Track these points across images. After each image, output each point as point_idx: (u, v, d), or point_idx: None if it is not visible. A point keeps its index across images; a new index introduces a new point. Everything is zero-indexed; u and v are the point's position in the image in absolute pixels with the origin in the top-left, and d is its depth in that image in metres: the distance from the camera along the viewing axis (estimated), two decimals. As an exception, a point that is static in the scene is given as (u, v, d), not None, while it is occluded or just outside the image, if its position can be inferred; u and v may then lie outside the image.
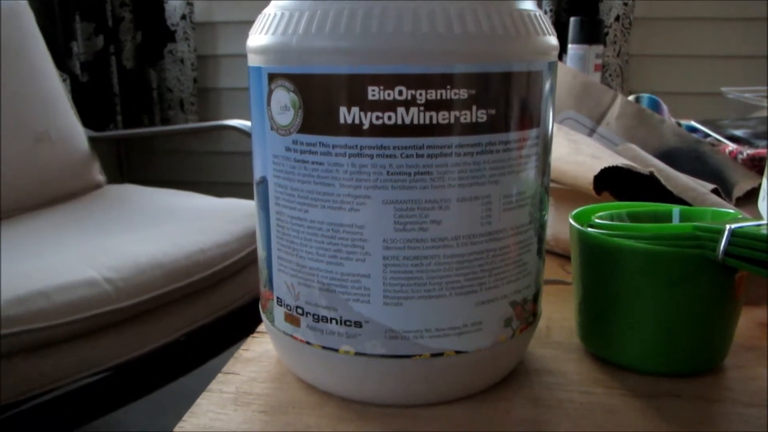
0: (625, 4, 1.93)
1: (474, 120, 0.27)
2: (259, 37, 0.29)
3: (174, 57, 2.15)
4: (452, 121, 0.26)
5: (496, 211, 0.28)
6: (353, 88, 0.26)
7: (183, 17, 2.12)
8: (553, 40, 0.29)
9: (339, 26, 0.26)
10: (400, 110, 0.26)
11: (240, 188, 2.12)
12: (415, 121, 0.26)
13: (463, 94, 0.26)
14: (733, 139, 0.72)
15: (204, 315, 1.11)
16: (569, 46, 1.19)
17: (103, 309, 0.94)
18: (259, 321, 0.36)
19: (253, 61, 0.29)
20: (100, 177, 1.53)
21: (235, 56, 2.22)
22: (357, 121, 0.26)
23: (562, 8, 1.97)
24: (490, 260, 0.28)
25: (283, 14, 0.28)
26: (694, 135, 0.70)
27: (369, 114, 0.26)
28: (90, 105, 2.00)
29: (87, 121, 1.72)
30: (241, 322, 1.18)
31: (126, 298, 0.97)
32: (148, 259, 1.03)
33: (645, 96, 0.77)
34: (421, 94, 0.26)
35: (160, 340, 1.03)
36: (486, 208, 0.28)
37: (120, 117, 2.13)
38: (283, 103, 0.28)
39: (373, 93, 0.26)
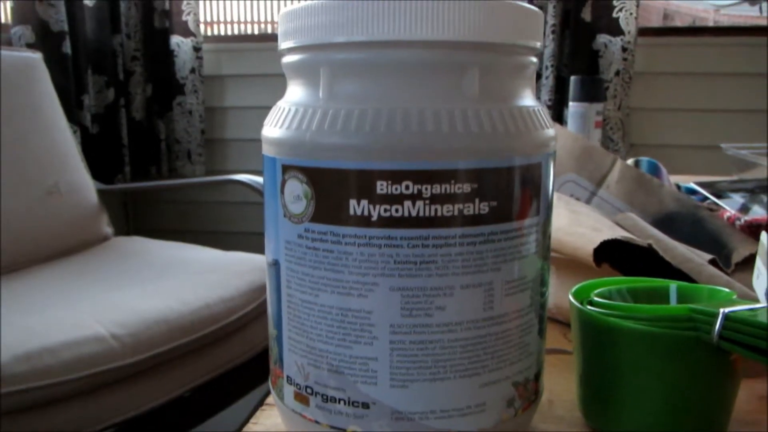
0: (625, 60, 1.97)
1: (476, 212, 0.28)
2: (273, 129, 0.31)
3: (183, 109, 2.20)
4: (456, 213, 0.28)
5: (498, 296, 0.29)
6: (362, 182, 0.28)
7: (192, 70, 2.18)
8: (551, 132, 0.31)
9: (350, 124, 0.28)
10: (407, 203, 0.27)
11: (246, 238, 2.14)
12: (421, 214, 0.28)
13: (466, 188, 0.28)
14: (732, 202, 0.73)
15: (209, 370, 1.12)
16: (570, 103, 1.22)
17: (110, 365, 0.95)
18: (264, 377, 0.37)
19: (267, 150, 0.31)
20: (108, 229, 1.55)
21: (242, 108, 2.27)
22: (366, 213, 0.28)
23: (563, 64, 2.01)
24: (493, 343, 0.30)
25: (297, 110, 0.30)
26: (693, 199, 0.71)
27: (377, 206, 0.28)
28: (99, 156, 2.04)
29: (96, 171, 1.75)
30: (246, 377, 1.18)
31: (132, 354, 0.98)
32: (154, 314, 1.04)
33: (644, 160, 0.79)
34: (426, 189, 0.27)
35: (165, 396, 1.03)
36: (488, 294, 0.29)
37: (128, 168, 2.16)
38: (296, 193, 0.29)
39: (381, 187, 0.27)
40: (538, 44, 0.31)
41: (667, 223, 0.66)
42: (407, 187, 0.27)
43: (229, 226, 2.31)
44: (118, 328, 0.99)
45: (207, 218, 2.34)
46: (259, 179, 1.53)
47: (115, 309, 1.05)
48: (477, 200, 0.28)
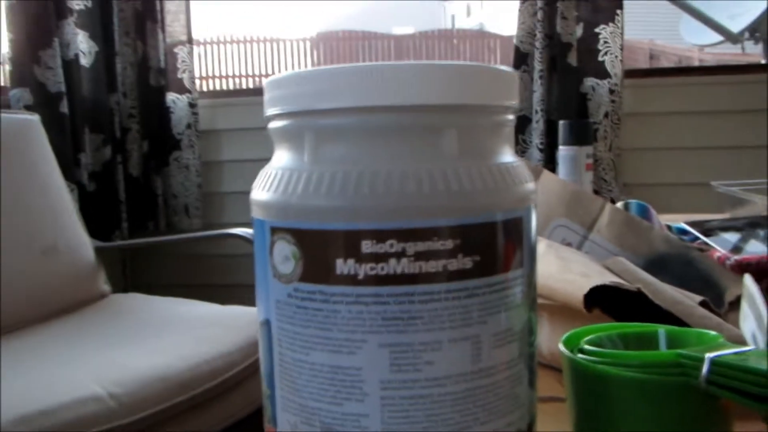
0: (613, 101, 2.01)
1: (460, 267, 0.29)
2: (261, 192, 0.31)
3: (179, 164, 2.22)
4: (440, 269, 0.28)
5: (485, 349, 0.30)
6: (348, 242, 0.28)
7: (188, 126, 2.21)
8: (530, 186, 0.32)
9: (334, 187, 0.29)
10: (392, 261, 0.28)
11: (245, 290, 2.13)
12: (406, 271, 0.28)
13: (448, 244, 0.28)
14: (723, 242, 0.74)
15: (209, 427, 1.10)
16: (560, 147, 1.24)
17: (108, 426, 0.94)
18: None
19: (256, 213, 0.32)
20: (105, 287, 1.55)
21: (237, 161, 2.29)
22: (353, 272, 0.28)
23: (552, 108, 2.05)
24: (483, 396, 0.30)
25: (283, 174, 0.31)
26: (683, 239, 0.72)
27: (363, 265, 0.28)
28: (96, 213, 2.05)
29: (93, 229, 1.76)
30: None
31: (130, 413, 0.97)
32: (152, 372, 1.03)
33: (633, 202, 0.80)
34: (410, 246, 0.28)
35: (163, 455, 1.02)
36: (476, 347, 0.29)
37: (126, 224, 2.17)
38: (285, 254, 0.30)
39: (367, 246, 0.28)
40: (514, 103, 0.32)
41: (658, 265, 0.67)
42: (391, 246, 0.28)
43: (227, 278, 2.31)
44: (116, 387, 0.99)
45: (205, 272, 2.34)
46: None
47: (112, 368, 1.04)
48: (460, 255, 0.29)
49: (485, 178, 0.29)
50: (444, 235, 0.28)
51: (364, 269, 0.28)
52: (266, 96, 0.33)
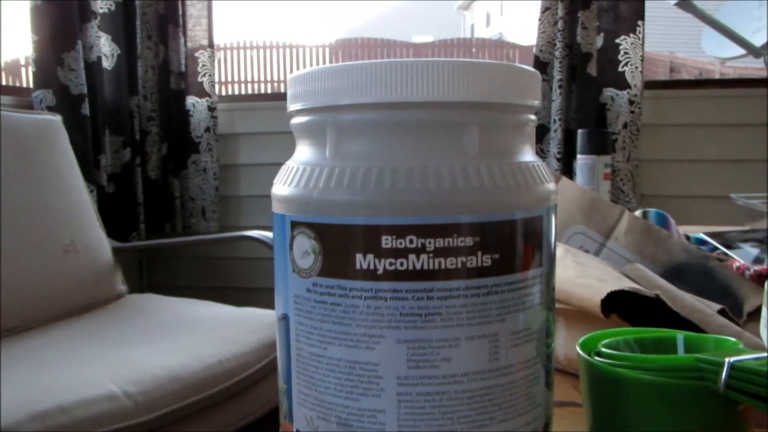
0: (632, 112, 2.00)
1: (480, 264, 0.29)
2: (282, 187, 0.32)
3: (197, 167, 2.24)
4: (459, 266, 0.28)
5: (503, 347, 0.30)
6: (368, 237, 0.28)
7: (207, 129, 2.23)
8: (551, 186, 0.32)
9: (355, 182, 0.29)
10: (412, 257, 0.28)
11: (260, 294, 2.15)
12: (426, 267, 0.28)
13: (468, 241, 0.29)
14: (744, 253, 0.73)
15: (222, 427, 1.11)
16: (578, 156, 1.23)
17: (123, 424, 0.94)
18: None
19: (277, 208, 0.32)
20: (122, 287, 1.57)
21: (255, 165, 2.31)
22: (372, 267, 0.29)
23: (571, 117, 2.04)
24: (500, 395, 0.30)
25: (305, 168, 0.31)
26: (702, 249, 0.72)
27: (383, 260, 0.28)
28: (115, 215, 2.07)
29: (111, 229, 1.78)
30: (258, 435, 1.17)
31: (145, 412, 0.97)
32: (167, 371, 1.04)
33: (652, 211, 0.80)
34: (430, 242, 0.28)
35: (176, 455, 1.02)
36: (493, 345, 0.29)
37: (143, 225, 2.19)
38: (305, 248, 0.30)
39: (387, 242, 0.28)
40: (536, 103, 0.32)
41: (676, 274, 0.66)
42: (411, 241, 0.28)
43: (242, 281, 2.32)
44: (131, 386, 0.99)
45: (221, 274, 2.35)
46: (271, 235, 1.55)
47: (128, 367, 1.05)
48: (480, 253, 0.29)
49: (506, 176, 0.29)
50: (464, 232, 0.28)
51: (383, 264, 0.28)
52: (289, 91, 0.33)
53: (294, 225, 0.31)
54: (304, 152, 0.32)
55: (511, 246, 0.30)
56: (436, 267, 0.28)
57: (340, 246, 0.29)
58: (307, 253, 0.30)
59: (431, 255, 0.28)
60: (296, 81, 0.32)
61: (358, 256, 0.29)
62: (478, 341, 0.29)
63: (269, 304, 1.39)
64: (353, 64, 0.30)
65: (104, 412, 0.94)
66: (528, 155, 0.32)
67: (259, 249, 2.19)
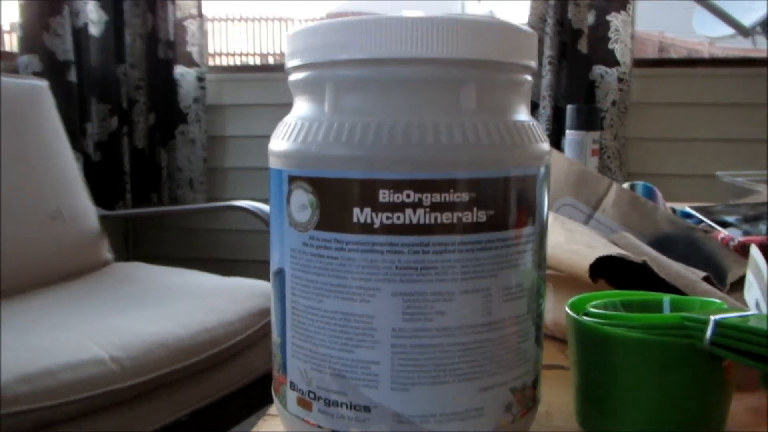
0: (621, 90, 2.00)
1: (474, 220, 0.29)
2: (280, 142, 0.32)
3: (185, 138, 2.22)
4: (455, 221, 0.29)
5: (495, 302, 0.30)
6: (366, 191, 0.29)
7: (195, 100, 2.20)
8: (546, 146, 0.32)
9: (354, 136, 0.29)
10: (408, 211, 0.29)
11: (246, 265, 2.14)
12: (422, 221, 0.29)
13: (464, 197, 0.29)
14: (725, 225, 0.75)
15: (208, 394, 1.11)
16: (567, 132, 1.24)
17: (109, 388, 0.95)
18: (263, 402, 0.38)
19: (274, 163, 0.32)
20: (109, 255, 1.56)
21: (244, 137, 2.29)
22: (369, 221, 0.29)
23: (560, 95, 2.04)
24: (491, 348, 0.31)
25: (303, 124, 0.31)
26: (688, 221, 0.73)
27: (380, 214, 0.29)
28: (101, 183, 2.06)
29: (97, 198, 1.77)
30: (245, 402, 1.18)
31: (131, 377, 0.98)
32: (154, 338, 1.04)
33: (640, 184, 0.81)
34: (426, 197, 0.29)
35: (164, 419, 1.03)
36: (486, 300, 0.30)
37: (129, 195, 2.18)
38: (302, 202, 0.31)
39: (384, 196, 0.29)
40: (532, 63, 0.32)
41: (661, 244, 0.67)
42: (408, 196, 0.29)
43: (228, 253, 2.32)
44: (118, 351, 1.00)
45: (207, 245, 2.35)
46: (260, 205, 1.54)
47: (115, 332, 1.05)
48: (475, 209, 0.29)
49: (502, 134, 0.30)
50: (460, 188, 0.29)
51: (380, 218, 0.29)
52: (287, 48, 0.33)
53: (291, 179, 0.31)
54: (302, 108, 0.32)
55: (506, 203, 0.30)
56: (432, 221, 0.29)
57: (337, 200, 0.29)
58: (304, 207, 0.31)
59: (427, 210, 0.29)
60: (294, 38, 0.32)
61: (356, 210, 0.29)
62: (472, 296, 0.30)
63: (255, 276, 1.40)
64: (352, 20, 0.30)
65: (91, 376, 0.94)
66: (523, 114, 0.32)
67: (245, 221, 2.19)
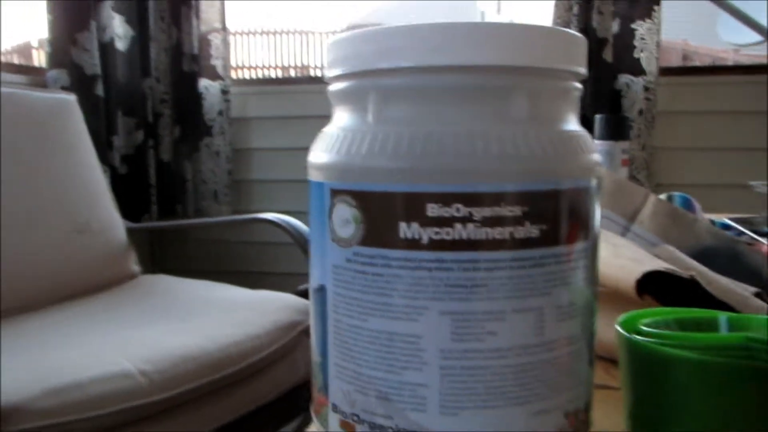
0: (648, 99, 1.98)
1: (527, 235, 0.28)
2: (321, 154, 0.31)
3: (210, 150, 2.23)
4: (506, 236, 0.28)
5: (549, 321, 0.29)
6: (412, 205, 0.28)
7: (220, 113, 2.22)
8: (596, 157, 0.31)
9: (400, 148, 0.28)
10: (457, 226, 0.27)
11: (271, 278, 2.14)
12: (471, 237, 0.27)
13: (516, 210, 0.28)
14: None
15: (236, 409, 1.11)
16: (595, 142, 1.22)
17: (137, 402, 0.94)
18: (291, 416, 0.36)
19: (314, 176, 0.31)
20: (136, 267, 1.56)
21: (267, 150, 2.30)
22: (416, 236, 0.28)
23: (586, 104, 2.02)
24: (545, 370, 0.29)
25: (345, 135, 0.30)
26: (729, 233, 0.70)
27: (427, 229, 0.28)
28: (127, 196, 2.07)
29: (123, 210, 1.78)
30: (273, 417, 1.17)
31: (159, 391, 0.97)
32: (181, 351, 1.04)
33: (677, 195, 0.79)
34: (476, 211, 0.27)
35: (191, 434, 1.02)
36: (539, 319, 0.29)
37: (155, 207, 2.19)
38: (345, 217, 0.29)
39: (432, 210, 0.27)
40: (582, 69, 0.31)
41: (703, 257, 0.65)
42: (458, 210, 0.27)
43: (254, 265, 2.32)
44: (146, 364, 0.99)
45: (232, 258, 2.35)
46: (285, 218, 1.54)
47: (143, 346, 1.05)
48: (527, 223, 0.28)
49: (555, 144, 0.28)
50: (511, 201, 0.27)
51: (427, 233, 0.28)
52: (328, 57, 0.32)
53: (334, 193, 0.30)
54: (343, 118, 0.31)
55: (558, 217, 0.29)
56: (483, 237, 0.27)
57: (382, 214, 0.28)
58: (347, 221, 0.29)
59: (478, 224, 0.27)
60: (335, 46, 0.31)
61: (402, 225, 0.28)
62: (524, 315, 0.28)
63: (280, 288, 1.39)
64: (395, 27, 0.29)
65: (119, 390, 0.94)
66: (573, 124, 0.31)
67: (270, 233, 2.19)
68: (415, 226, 0.28)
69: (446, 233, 0.27)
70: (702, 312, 0.38)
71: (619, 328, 0.35)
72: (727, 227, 0.80)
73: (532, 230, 0.28)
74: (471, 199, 0.27)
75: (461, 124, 0.28)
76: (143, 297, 1.38)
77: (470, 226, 0.27)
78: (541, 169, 0.28)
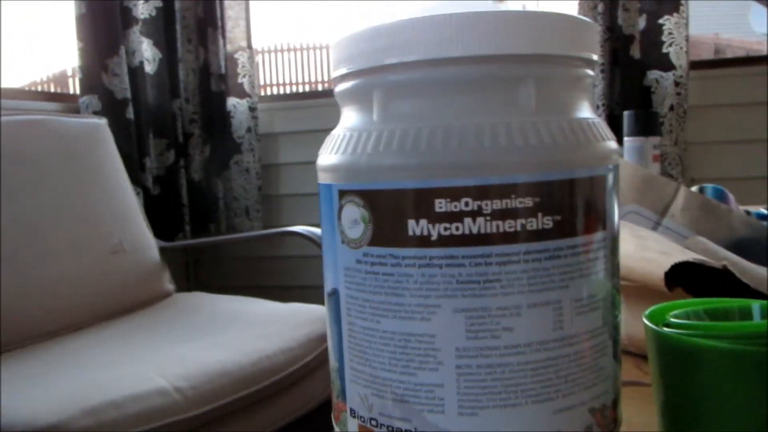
0: (678, 94, 1.94)
1: (540, 227, 0.27)
2: (329, 156, 0.30)
3: (240, 167, 2.25)
4: (518, 228, 0.27)
5: (567, 315, 0.28)
6: (420, 201, 0.27)
7: (248, 130, 2.24)
8: (613, 144, 0.30)
9: (405, 144, 0.27)
10: (467, 221, 0.27)
11: (304, 291, 2.15)
12: (482, 231, 0.27)
13: (527, 202, 0.27)
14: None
15: (270, 422, 1.11)
16: (625, 139, 1.19)
17: (173, 418, 0.95)
18: (325, 429, 0.36)
19: (323, 179, 0.31)
20: (170, 286, 1.58)
21: (296, 164, 2.31)
22: (425, 233, 0.27)
23: (615, 102, 1.99)
24: (566, 366, 0.28)
25: (351, 135, 0.29)
26: (766, 223, 0.68)
27: (437, 225, 0.27)
28: (161, 216, 2.10)
29: (157, 231, 1.81)
30: (307, 430, 1.17)
31: (195, 407, 0.98)
32: (216, 367, 1.04)
33: (709, 186, 0.76)
34: (486, 204, 0.27)
35: (227, 449, 1.03)
36: (557, 313, 0.28)
37: (188, 226, 2.22)
38: (354, 217, 0.29)
39: (440, 205, 0.27)
40: (594, 56, 0.30)
41: (739, 249, 0.63)
42: (467, 204, 0.27)
43: (287, 279, 2.33)
44: (181, 381, 1.00)
45: (265, 272, 2.37)
46: (314, 230, 1.54)
47: (177, 363, 1.06)
48: (540, 214, 0.27)
49: (566, 132, 0.28)
50: (522, 193, 0.27)
51: (437, 230, 0.27)
52: (332, 59, 0.32)
53: (342, 194, 0.29)
54: (350, 118, 0.31)
55: (573, 207, 0.28)
56: (494, 230, 0.27)
57: (390, 213, 0.28)
58: (356, 222, 0.29)
59: (488, 218, 0.27)
60: (338, 46, 0.31)
61: (411, 223, 0.27)
62: (541, 309, 0.27)
63: (314, 301, 1.39)
64: (397, 22, 0.28)
65: (155, 407, 0.94)
66: (586, 111, 0.30)
67: (302, 246, 2.20)
68: (423, 222, 0.27)
69: (456, 228, 0.27)
70: (734, 301, 0.37)
71: (646, 321, 0.34)
72: (764, 217, 0.77)
73: (545, 222, 0.27)
74: (480, 193, 0.27)
75: (467, 116, 0.27)
76: (177, 315, 1.40)
77: (480, 220, 0.27)
78: (552, 159, 0.27)
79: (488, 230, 0.27)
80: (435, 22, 0.27)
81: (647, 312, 0.35)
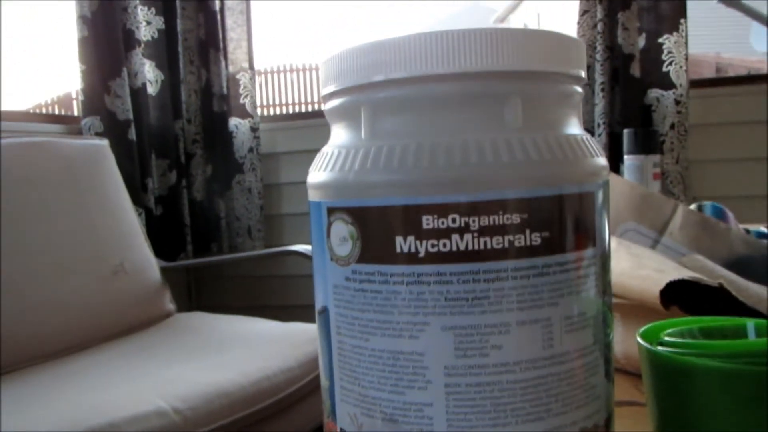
0: (679, 112, 1.94)
1: (528, 243, 0.27)
2: (318, 174, 0.30)
3: (242, 187, 2.26)
4: (506, 245, 0.27)
5: (557, 333, 0.28)
6: (408, 218, 0.27)
7: (250, 150, 2.25)
8: (602, 160, 0.30)
9: (392, 161, 0.27)
10: (455, 237, 0.27)
11: (306, 310, 2.14)
12: (470, 247, 0.27)
13: (515, 218, 0.27)
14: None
15: (270, 444, 1.10)
16: (625, 157, 1.19)
17: (171, 440, 0.94)
18: None
19: (313, 196, 0.31)
20: (171, 306, 1.58)
21: (297, 184, 2.32)
22: (413, 250, 0.27)
23: (615, 120, 1.99)
24: (556, 385, 0.28)
25: (340, 152, 0.30)
26: (765, 242, 0.68)
27: (424, 242, 0.27)
28: (163, 236, 2.10)
29: (159, 251, 1.81)
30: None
31: (194, 428, 0.97)
32: (215, 387, 1.04)
33: (708, 204, 0.76)
34: (474, 221, 0.26)
35: (226, 471, 1.02)
36: (547, 330, 0.27)
37: (190, 246, 2.22)
38: (342, 234, 0.29)
39: (428, 222, 0.27)
40: (581, 72, 0.30)
41: (738, 267, 0.63)
42: (454, 221, 0.27)
43: (288, 299, 2.33)
44: (180, 402, 0.99)
45: (267, 292, 2.36)
46: (316, 250, 1.54)
47: (176, 383, 1.05)
48: (528, 231, 0.27)
49: (553, 149, 0.28)
50: (510, 209, 0.27)
51: (425, 246, 0.27)
52: (321, 77, 0.32)
53: (330, 211, 0.29)
54: (339, 136, 0.31)
55: (562, 223, 0.28)
56: (482, 247, 0.27)
57: (378, 230, 0.28)
58: (344, 239, 0.29)
59: (476, 234, 0.27)
60: (327, 64, 0.31)
61: (398, 239, 0.27)
62: (531, 326, 0.27)
63: (314, 320, 1.38)
64: (384, 40, 0.28)
65: (154, 428, 0.94)
66: (575, 128, 0.30)
67: (304, 266, 2.19)
68: (411, 239, 0.27)
69: (443, 245, 0.27)
70: (729, 320, 0.36)
71: (639, 339, 0.34)
72: (763, 236, 0.77)
73: (533, 238, 0.27)
74: (467, 209, 0.26)
75: (454, 133, 0.27)
76: (177, 335, 1.39)
77: (468, 236, 0.27)
78: (541, 175, 0.27)
79: (476, 247, 0.27)
80: (421, 40, 0.27)
81: (641, 330, 0.35)
